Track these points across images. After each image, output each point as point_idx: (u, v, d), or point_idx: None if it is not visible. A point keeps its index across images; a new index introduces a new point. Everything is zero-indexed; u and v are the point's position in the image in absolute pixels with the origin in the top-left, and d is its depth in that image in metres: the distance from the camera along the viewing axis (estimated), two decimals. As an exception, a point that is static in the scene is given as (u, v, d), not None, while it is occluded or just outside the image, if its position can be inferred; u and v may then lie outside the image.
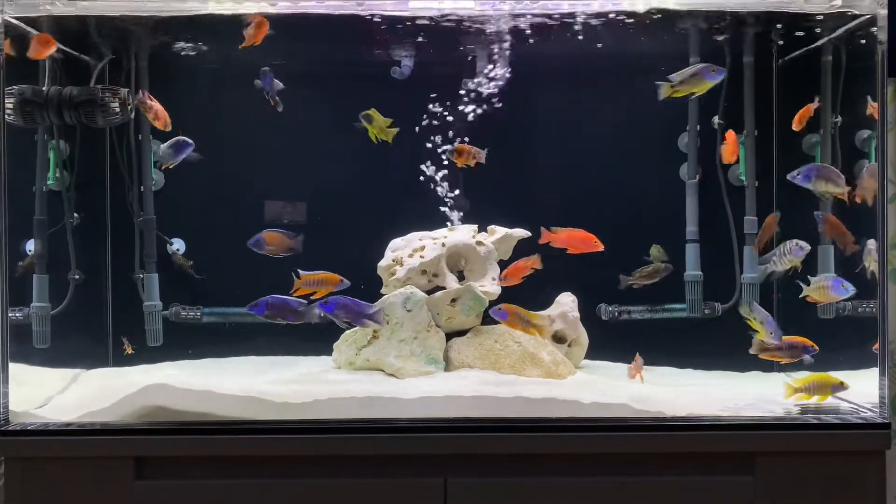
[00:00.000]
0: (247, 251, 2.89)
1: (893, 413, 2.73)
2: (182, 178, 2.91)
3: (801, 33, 2.67)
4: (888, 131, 2.67)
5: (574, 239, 2.46)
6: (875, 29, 2.32)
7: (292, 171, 2.93)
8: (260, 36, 2.42)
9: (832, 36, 2.61)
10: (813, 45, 2.69)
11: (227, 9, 2.54)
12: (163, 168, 2.64)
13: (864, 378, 2.36)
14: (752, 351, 2.40)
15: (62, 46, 2.63)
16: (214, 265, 2.91)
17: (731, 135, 2.74)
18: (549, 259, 2.80)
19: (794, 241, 2.39)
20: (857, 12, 2.42)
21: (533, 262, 2.51)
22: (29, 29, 2.49)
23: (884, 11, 2.30)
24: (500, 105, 2.83)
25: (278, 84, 2.48)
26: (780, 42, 2.79)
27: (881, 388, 2.29)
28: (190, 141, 2.54)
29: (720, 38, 2.78)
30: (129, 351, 2.77)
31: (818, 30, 2.63)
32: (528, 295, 2.77)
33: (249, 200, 2.92)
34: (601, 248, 2.47)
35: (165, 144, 2.55)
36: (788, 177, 2.39)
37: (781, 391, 2.36)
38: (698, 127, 2.88)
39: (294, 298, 2.36)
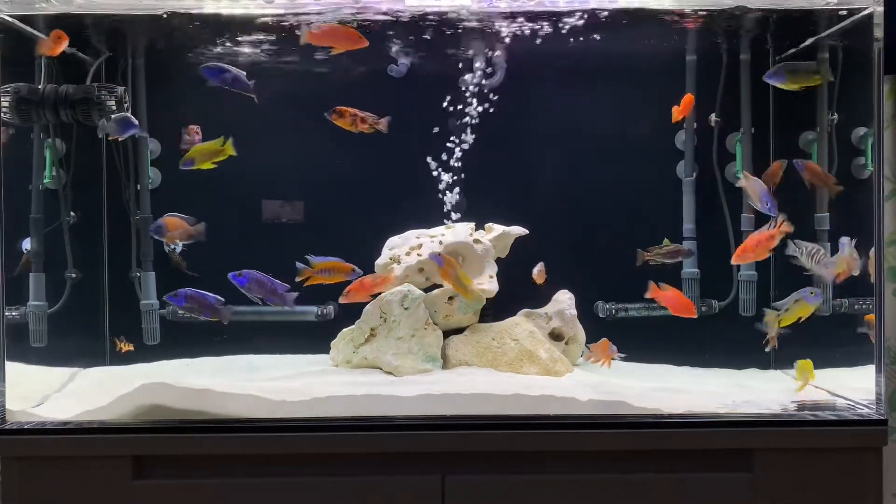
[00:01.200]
0: (244, 249, 2.90)
1: (890, 410, 2.74)
2: (179, 176, 2.91)
3: (798, 30, 2.67)
4: (885, 129, 2.68)
5: (678, 303, 2.54)
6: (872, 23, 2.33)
7: (290, 169, 2.93)
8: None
9: (829, 32, 2.62)
10: (810, 41, 2.69)
11: (223, 6, 2.53)
12: (109, 138, 2.61)
13: (861, 375, 2.37)
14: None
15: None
16: (212, 264, 2.91)
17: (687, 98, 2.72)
18: (547, 257, 2.81)
19: (828, 258, 2.39)
20: (855, 7, 2.42)
21: (382, 281, 2.51)
22: (25, 27, 2.49)
23: (880, 9, 2.31)
24: (498, 102, 2.83)
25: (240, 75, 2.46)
26: (778, 39, 2.79)
27: (878, 385, 2.30)
28: (136, 122, 2.54)
29: (717, 34, 2.78)
30: (126, 348, 2.76)
31: (815, 26, 2.64)
32: (525, 292, 2.78)
33: (246, 199, 2.91)
34: (695, 317, 2.57)
35: (113, 117, 2.53)
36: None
37: (782, 386, 2.42)
38: (695, 125, 2.89)
39: (212, 295, 2.39)
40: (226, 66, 2.46)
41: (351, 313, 2.65)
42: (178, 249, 2.90)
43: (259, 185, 2.92)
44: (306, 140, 2.91)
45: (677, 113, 2.65)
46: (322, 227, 2.90)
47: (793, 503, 2.16)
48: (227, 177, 2.91)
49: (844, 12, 2.48)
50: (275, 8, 2.52)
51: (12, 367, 2.31)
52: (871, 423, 2.22)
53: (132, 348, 2.76)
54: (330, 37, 2.44)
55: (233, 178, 2.91)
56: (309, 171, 2.94)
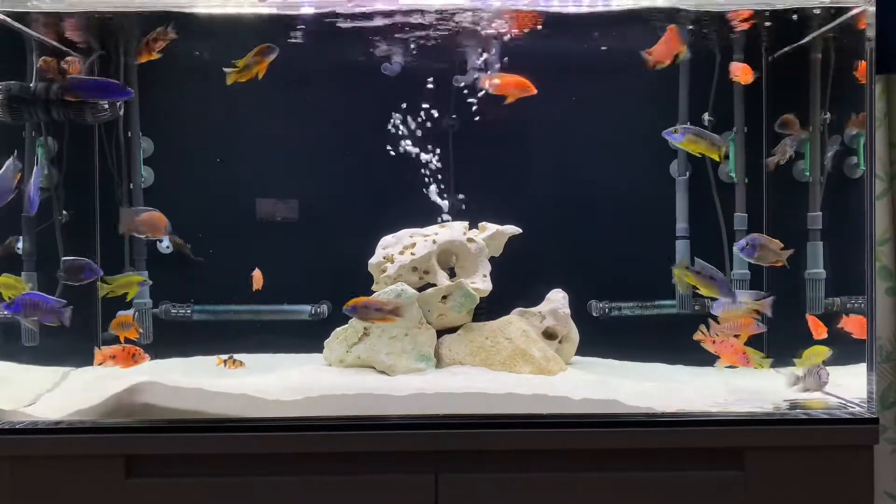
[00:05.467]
0: (239, 248, 2.90)
1: (881, 408, 2.75)
2: (172, 175, 2.91)
3: (791, 29, 2.68)
4: (876, 128, 2.69)
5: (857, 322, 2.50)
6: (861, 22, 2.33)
7: (283, 168, 2.92)
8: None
9: (821, 31, 2.62)
10: (803, 41, 2.70)
11: (216, 4, 2.53)
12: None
13: (853, 373, 2.37)
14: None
15: (51, 41, 2.62)
16: (204, 262, 2.91)
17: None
18: (541, 256, 2.81)
19: (826, 372, 2.39)
20: (846, 5, 2.43)
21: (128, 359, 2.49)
22: (19, 25, 2.48)
23: (872, 8, 2.31)
24: (491, 101, 2.83)
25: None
26: (770, 38, 2.79)
27: (869, 384, 2.30)
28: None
29: (709, 34, 2.79)
30: (236, 367, 2.65)
31: (808, 25, 2.64)
32: (519, 291, 2.78)
33: (240, 197, 2.91)
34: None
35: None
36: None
37: (774, 384, 2.40)
38: (688, 124, 2.89)
39: (53, 298, 2.37)
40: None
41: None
42: (171, 250, 2.90)
43: (251, 184, 2.92)
44: (298, 138, 2.91)
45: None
46: (316, 226, 2.90)
47: (784, 501, 2.17)
48: (219, 175, 2.93)
49: (838, 10, 2.48)
50: (267, 7, 2.52)
51: (4, 367, 2.31)
52: (863, 422, 2.23)
53: (243, 365, 2.65)
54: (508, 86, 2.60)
55: (225, 176, 2.92)
56: (302, 169, 2.93)
